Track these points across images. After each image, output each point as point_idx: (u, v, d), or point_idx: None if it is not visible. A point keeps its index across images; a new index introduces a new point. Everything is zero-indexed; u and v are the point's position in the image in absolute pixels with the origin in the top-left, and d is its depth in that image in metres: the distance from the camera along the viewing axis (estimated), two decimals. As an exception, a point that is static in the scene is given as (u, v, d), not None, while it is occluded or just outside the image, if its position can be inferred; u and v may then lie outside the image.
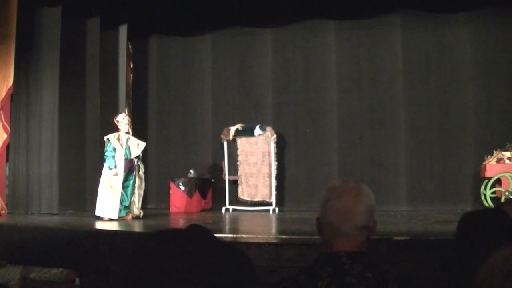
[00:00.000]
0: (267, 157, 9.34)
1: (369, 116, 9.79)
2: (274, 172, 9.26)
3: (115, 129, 7.83)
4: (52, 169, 8.54)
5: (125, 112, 8.91)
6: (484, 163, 8.67)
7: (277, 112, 10.20)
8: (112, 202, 7.47)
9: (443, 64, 9.57)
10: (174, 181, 9.55)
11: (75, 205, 8.78)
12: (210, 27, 10.51)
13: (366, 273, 1.46)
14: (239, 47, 10.54)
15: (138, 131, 9.02)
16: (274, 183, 9.23)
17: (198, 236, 0.97)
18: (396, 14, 9.73)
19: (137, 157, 7.83)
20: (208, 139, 10.42)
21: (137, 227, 7.05)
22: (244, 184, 9.49)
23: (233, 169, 9.58)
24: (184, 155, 10.58)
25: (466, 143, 9.35)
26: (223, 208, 9.45)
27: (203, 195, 9.79)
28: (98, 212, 7.46)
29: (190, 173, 9.78)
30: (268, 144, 9.31)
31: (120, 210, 7.50)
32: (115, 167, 7.55)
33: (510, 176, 8.32)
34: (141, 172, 7.93)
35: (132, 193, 7.73)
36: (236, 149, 9.52)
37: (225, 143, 9.54)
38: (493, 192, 8.41)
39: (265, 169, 9.34)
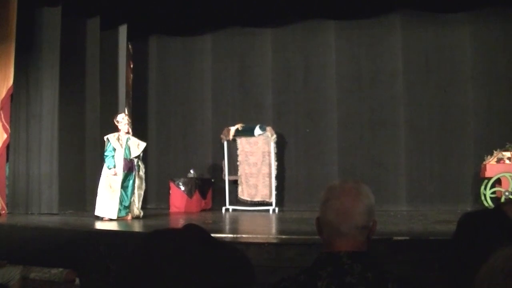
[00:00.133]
0: (267, 157, 9.34)
1: (369, 116, 9.79)
2: (274, 172, 9.26)
3: (115, 129, 7.84)
4: (52, 169, 8.54)
5: (125, 112, 8.92)
6: (484, 163, 8.67)
7: (277, 112, 10.20)
8: (111, 202, 7.46)
9: (443, 64, 9.57)
10: (174, 181, 9.56)
11: (75, 205, 8.78)
12: (210, 27, 10.51)
13: (366, 273, 1.46)
14: (239, 47, 10.54)
15: (138, 131, 9.01)
16: (274, 183, 9.23)
17: (195, 235, 0.97)
18: (396, 14, 9.72)
19: (137, 157, 7.83)
20: (208, 139, 10.42)
21: (137, 227, 7.04)
22: (244, 184, 9.49)
23: (233, 169, 9.58)
24: (184, 155, 10.58)
25: (466, 143, 9.35)
26: (223, 208, 9.45)
27: (203, 195, 9.79)
28: (97, 212, 7.46)
29: (190, 173, 9.78)
30: (268, 144, 9.31)
31: (119, 210, 7.50)
32: (114, 166, 7.56)
33: (510, 176, 8.32)
34: (142, 172, 7.93)
35: (132, 193, 7.72)
36: (236, 149, 9.52)
37: (225, 143, 9.54)
38: (493, 192, 8.41)
39: (265, 169, 9.34)
